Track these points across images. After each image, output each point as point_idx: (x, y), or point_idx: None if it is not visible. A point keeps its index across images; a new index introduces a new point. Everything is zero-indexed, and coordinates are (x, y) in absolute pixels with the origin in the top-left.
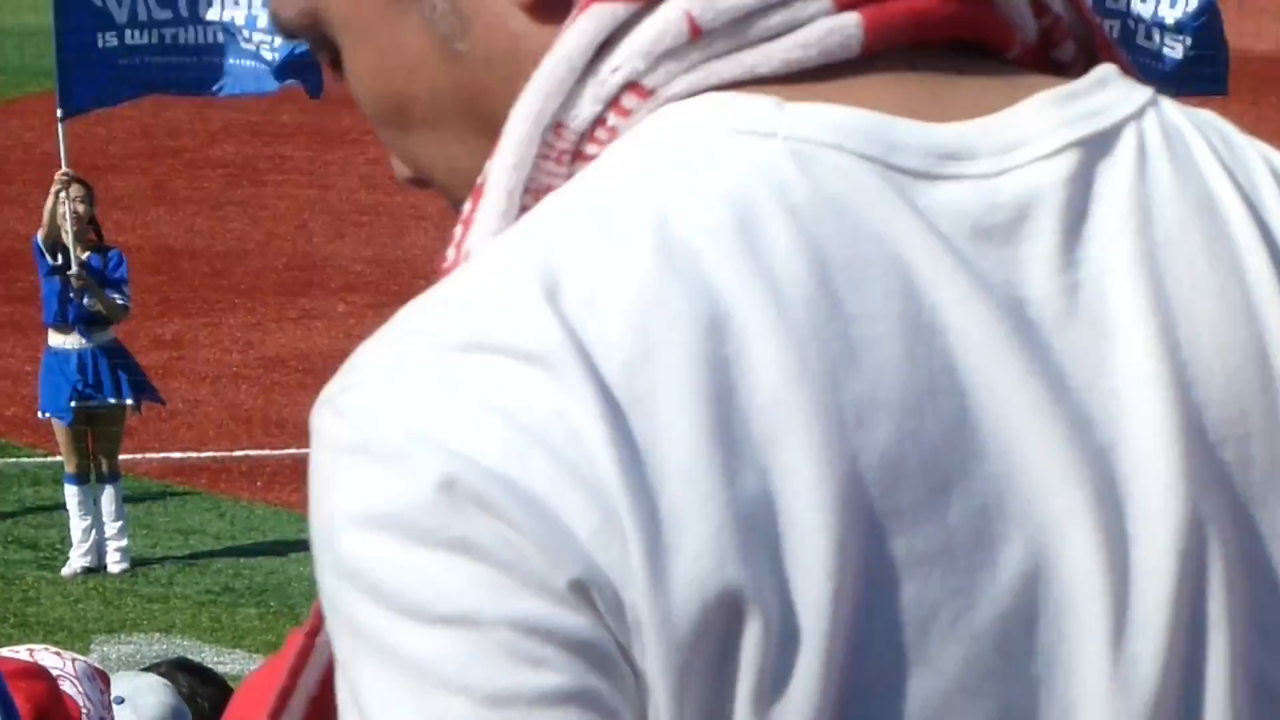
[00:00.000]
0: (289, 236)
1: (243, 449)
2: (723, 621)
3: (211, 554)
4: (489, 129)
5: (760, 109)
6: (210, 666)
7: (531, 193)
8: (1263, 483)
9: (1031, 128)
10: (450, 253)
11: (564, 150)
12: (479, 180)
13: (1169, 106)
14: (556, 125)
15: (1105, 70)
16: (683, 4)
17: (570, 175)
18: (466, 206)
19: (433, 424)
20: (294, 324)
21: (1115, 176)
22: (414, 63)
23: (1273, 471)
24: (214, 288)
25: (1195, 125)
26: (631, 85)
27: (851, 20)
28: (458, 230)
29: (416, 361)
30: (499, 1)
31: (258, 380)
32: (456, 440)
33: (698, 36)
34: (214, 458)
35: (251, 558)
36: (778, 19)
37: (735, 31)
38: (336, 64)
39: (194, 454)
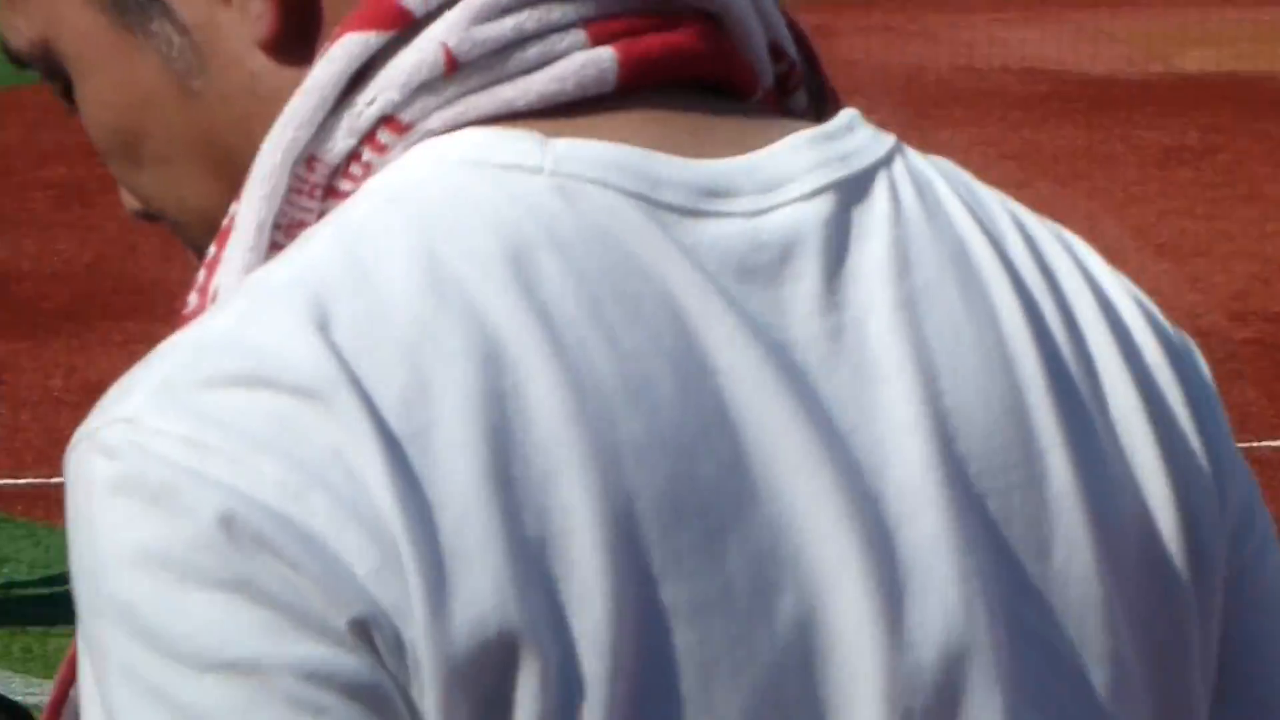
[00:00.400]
0: (118, 259)
1: (62, 476)
2: (501, 662)
3: (26, 583)
4: (222, 169)
5: (523, 144)
6: (20, 697)
7: (283, 229)
8: (1024, 539)
9: (790, 167)
10: (193, 298)
11: (316, 184)
12: (224, 223)
13: (912, 153)
14: (310, 159)
15: (851, 115)
16: (439, 35)
17: (323, 212)
18: (211, 250)
19: (207, 460)
20: (119, 349)
21: (872, 220)
22: (148, 98)
23: (1032, 528)
24: (39, 311)
25: (940, 172)
26: (387, 119)
27: (607, 54)
28: (200, 274)
29: (187, 396)
30: (237, 39)
31: (80, 406)
32: (232, 477)
33: (454, 70)
34: (31, 484)
35: (67, 586)
36: (534, 52)
37: (491, 65)
38: (68, 94)
39: (10, 480)
